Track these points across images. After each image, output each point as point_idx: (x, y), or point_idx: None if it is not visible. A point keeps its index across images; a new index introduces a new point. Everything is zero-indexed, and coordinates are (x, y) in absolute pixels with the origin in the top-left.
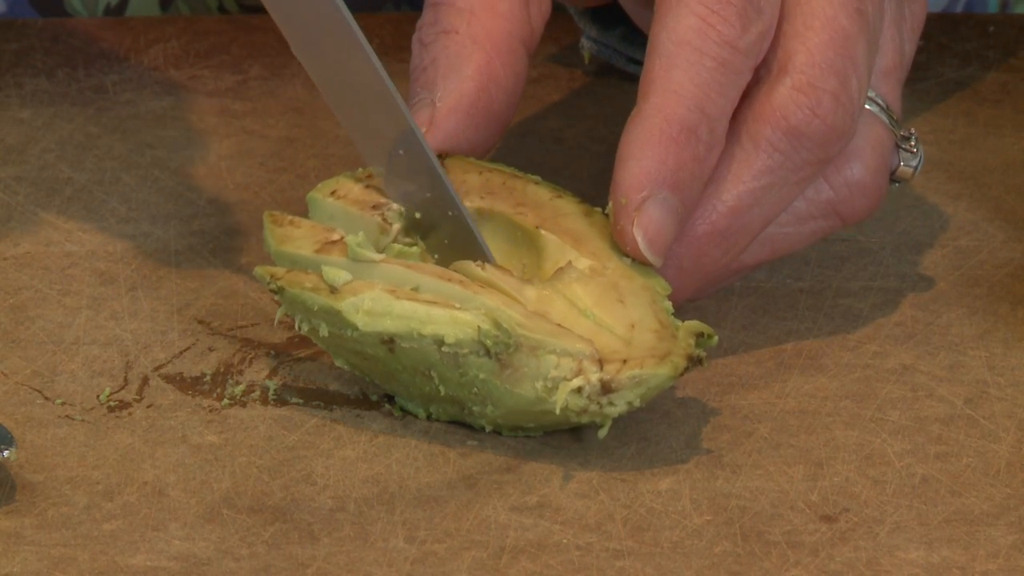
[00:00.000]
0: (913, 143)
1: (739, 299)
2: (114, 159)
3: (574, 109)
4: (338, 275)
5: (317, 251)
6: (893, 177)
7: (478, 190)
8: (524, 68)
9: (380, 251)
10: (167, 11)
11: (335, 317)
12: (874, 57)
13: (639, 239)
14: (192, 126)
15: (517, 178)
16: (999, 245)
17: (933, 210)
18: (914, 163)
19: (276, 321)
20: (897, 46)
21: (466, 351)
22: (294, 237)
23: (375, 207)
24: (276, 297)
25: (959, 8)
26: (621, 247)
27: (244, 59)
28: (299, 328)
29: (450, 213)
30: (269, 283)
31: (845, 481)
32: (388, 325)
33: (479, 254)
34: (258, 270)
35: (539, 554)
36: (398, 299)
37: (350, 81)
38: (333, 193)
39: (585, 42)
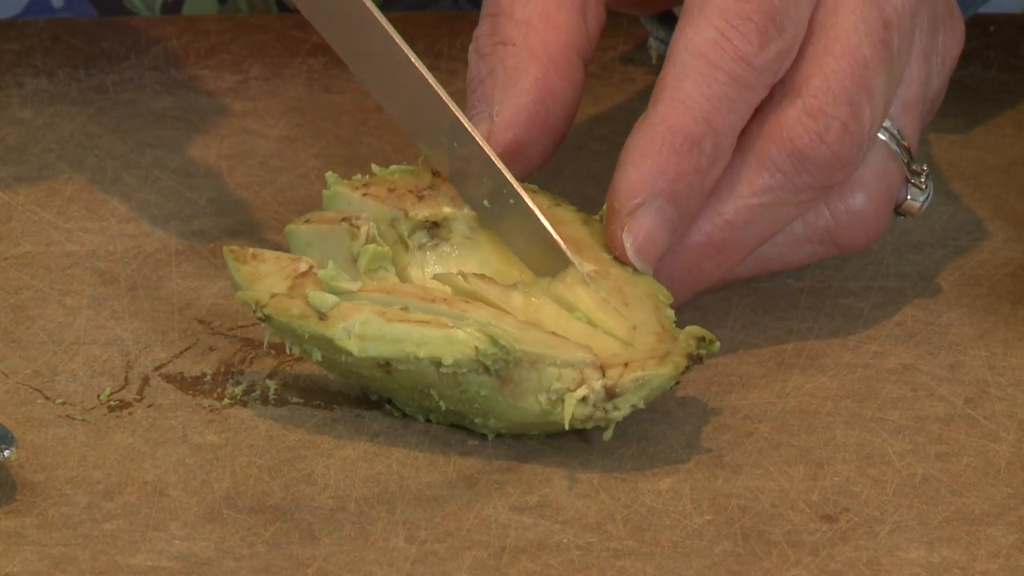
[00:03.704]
0: (923, 179)
1: (739, 299)
2: (114, 159)
3: None
4: (324, 299)
5: (291, 288)
6: (898, 210)
7: None
8: (580, 79)
9: (354, 257)
10: (223, 7)
11: (327, 343)
12: (894, 90)
13: (627, 244)
14: (192, 126)
15: None
16: (999, 245)
17: (933, 210)
18: (921, 199)
19: (265, 344)
20: (923, 80)
21: (465, 370)
22: (262, 274)
23: (344, 219)
24: (264, 324)
25: None
26: (611, 250)
27: (244, 59)
28: (290, 351)
29: (512, 202)
30: (256, 311)
31: (845, 481)
32: (383, 349)
33: (548, 242)
34: (241, 296)
35: (540, 554)
36: (389, 321)
37: (397, 85)
38: (307, 221)
39: (653, 42)
